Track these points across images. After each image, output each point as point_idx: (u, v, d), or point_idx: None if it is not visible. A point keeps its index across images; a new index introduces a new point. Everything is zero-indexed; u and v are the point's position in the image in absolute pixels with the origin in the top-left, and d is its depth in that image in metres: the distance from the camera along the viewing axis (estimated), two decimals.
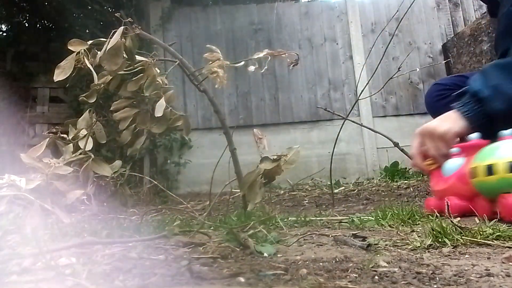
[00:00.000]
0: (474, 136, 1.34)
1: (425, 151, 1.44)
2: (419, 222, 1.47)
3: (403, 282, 0.80)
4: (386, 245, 1.15)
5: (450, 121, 1.36)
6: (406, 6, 3.76)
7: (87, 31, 5.00)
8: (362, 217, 1.67)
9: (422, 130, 1.43)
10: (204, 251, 1.13)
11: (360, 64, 4.89)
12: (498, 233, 1.14)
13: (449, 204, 1.25)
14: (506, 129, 1.23)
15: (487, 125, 1.36)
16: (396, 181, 3.89)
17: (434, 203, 1.43)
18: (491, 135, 1.26)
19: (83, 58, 1.64)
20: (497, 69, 1.35)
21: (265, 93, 5.01)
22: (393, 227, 1.45)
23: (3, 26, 6.00)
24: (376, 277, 0.84)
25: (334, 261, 0.98)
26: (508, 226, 1.21)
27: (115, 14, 1.74)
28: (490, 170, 1.19)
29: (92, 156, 1.74)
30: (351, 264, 0.95)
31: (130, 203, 1.95)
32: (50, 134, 1.81)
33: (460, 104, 1.41)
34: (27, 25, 5.90)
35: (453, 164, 1.37)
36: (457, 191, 1.33)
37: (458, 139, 1.40)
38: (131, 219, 1.82)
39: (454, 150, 1.40)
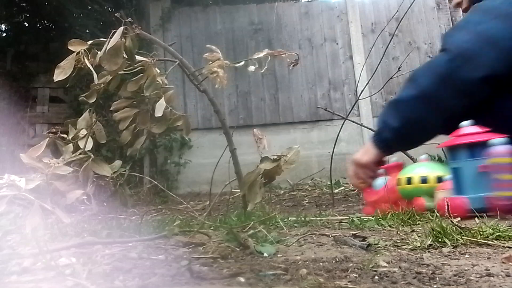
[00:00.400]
0: (394, 159, 1.86)
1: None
2: (419, 222, 1.47)
3: (403, 282, 0.80)
4: (386, 245, 1.15)
5: (368, 152, 1.65)
6: (406, 6, 3.76)
7: (87, 31, 4.99)
8: (362, 217, 1.68)
9: (351, 160, 1.78)
10: (204, 251, 1.13)
11: (360, 64, 4.88)
12: (498, 233, 1.14)
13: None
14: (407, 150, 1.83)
15: (391, 150, 1.62)
16: None
17: (369, 210, 1.87)
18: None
19: (83, 58, 1.64)
20: (388, 104, 1.60)
21: (265, 93, 5.01)
22: (393, 227, 1.45)
23: (3, 26, 5.99)
24: (376, 277, 0.84)
25: (334, 261, 0.98)
26: (508, 226, 1.21)
27: (115, 14, 1.74)
28: (409, 181, 1.71)
29: (92, 156, 1.73)
30: (351, 264, 0.95)
31: (130, 203, 1.95)
32: (50, 134, 1.81)
33: (373, 135, 1.67)
34: (27, 25, 5.89)
35: (380, 181, 1.79)
36: (385, 199, 1.79)
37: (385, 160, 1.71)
38: (131, 219, 1.82)
39: (381, 170, 1.79)
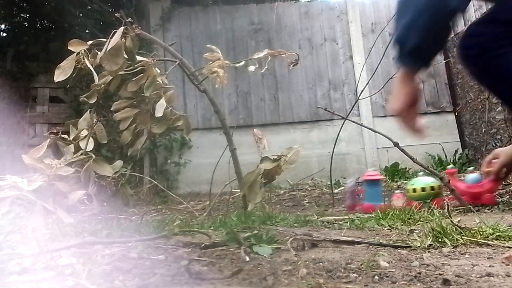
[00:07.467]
0: (450, 166, 2.47)
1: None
2: (419, 222, 1.47)
3: (403, 282, 0.80)
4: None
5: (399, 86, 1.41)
6: None
7: (87, 31, 4.99)
8: (362, 217, 1.68)
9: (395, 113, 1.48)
10: (204, 251, 1.13)
11: (360, 64, 4.89)
12: (498, 233, 1.14)
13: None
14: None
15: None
16: (396, 181, 3.89)
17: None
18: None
19: (83, 58, 1.64)
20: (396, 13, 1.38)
21: (265, 93, 5.01)
22: (393, 227, 1.45)
23: (3, 26, 5.99)
24: (376, 277, 0.84)
25: (334, 261, 0.98)
26: (508, 226, 1.21)
27: (115, 14, 1.74)
28: (414, 190, 2.18)
29: (93, 156, 1.74)
30: (351, 264, 0.95)
31: (131, 202, 1.95)
32: (51, 134, 1.81)
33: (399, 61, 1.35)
34: (27, 25, 5.89)
35: (474, 176, 2.21)
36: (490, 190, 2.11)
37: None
38: (131, 219, 1.82)
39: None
